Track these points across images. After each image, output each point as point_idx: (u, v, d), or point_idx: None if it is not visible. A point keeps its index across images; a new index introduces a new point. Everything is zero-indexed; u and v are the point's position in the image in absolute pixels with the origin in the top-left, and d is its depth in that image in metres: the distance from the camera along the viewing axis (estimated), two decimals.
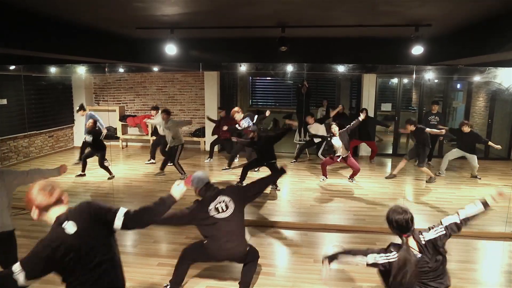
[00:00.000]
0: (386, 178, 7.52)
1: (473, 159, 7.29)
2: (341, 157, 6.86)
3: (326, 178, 7.33)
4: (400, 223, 2.46)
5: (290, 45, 4.77)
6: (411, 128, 7.02)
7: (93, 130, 7.09)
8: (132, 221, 2.22)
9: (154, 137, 8.85)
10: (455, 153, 7.48)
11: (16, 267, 1.90)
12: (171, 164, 7.42)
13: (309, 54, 6.04)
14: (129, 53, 6.23)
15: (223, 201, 3.37)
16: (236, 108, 7.16)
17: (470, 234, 4.85)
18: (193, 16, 4.24)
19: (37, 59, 5.75)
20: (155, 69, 9.42)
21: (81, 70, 9.12)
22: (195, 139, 10.16)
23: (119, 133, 10.29)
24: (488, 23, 4.17)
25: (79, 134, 10.24)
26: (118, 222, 2.17)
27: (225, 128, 7.84)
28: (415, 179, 7.71)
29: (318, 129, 8.16)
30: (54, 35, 4.58)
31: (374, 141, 9.06)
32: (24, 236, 4.74)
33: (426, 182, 7.21)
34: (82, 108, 8.23)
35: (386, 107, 10.50)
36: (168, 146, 7.41)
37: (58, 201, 2.13)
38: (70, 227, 2.02)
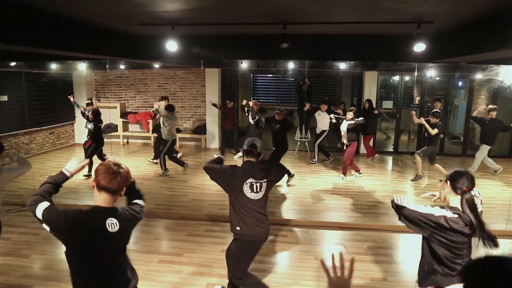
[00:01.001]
0: (412, 180, 7.21)
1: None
2: (345, 144, 6.94)
3: (360, 173, 7.40)
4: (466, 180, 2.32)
5: (292, 42, 4.75)
6: (435, 121, 6.73)
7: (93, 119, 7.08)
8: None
9: (155, 134, 8.83)
10: (484, 149, 7.27)
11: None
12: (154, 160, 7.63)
13: (310, 51, 6.02)
14: (130, 50, 6.21)
15: (259, 182, 3.11)
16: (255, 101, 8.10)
17: None
18: (194, 13, 4.22)
19: (38, 55, 5.73)
20: (156, 66, 9.40)
21: (82, 67, 9.11)
22: (196, 136, 10.15)
23: (120, 130, 10.30)
24: (491, 20, 4.14)
25: (80, 131, 10.26)
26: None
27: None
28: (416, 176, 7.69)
29: (324, 118, 8.26)
30: (55, 31, 4.57)
31: (372, 136, 9.01)
32: (25, 233, 4.78)
33: (412, 180, 7.19)
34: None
35: (388, 104, 10.49)
36: (158, 138, 7.52)
37: (117, 191, 2.01)
38: (113, 225, 1.97)
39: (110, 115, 9.86)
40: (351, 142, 6.99)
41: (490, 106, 7.38)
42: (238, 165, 3.19)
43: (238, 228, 3.08)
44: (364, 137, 8.82)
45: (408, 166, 8.65)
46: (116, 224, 1.97)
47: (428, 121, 6.74)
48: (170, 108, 7.30)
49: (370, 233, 4.88)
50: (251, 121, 8.08)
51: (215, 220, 5.20)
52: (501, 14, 3.91)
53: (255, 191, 3.09)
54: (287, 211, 5.70)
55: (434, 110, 7.12)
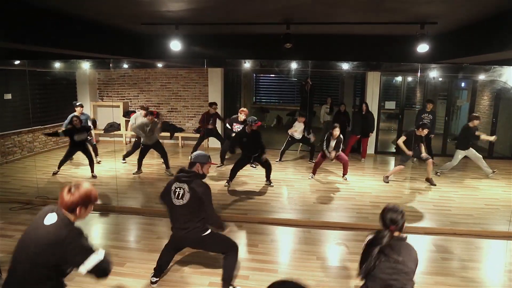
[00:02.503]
0: (426, 180, 7.13)
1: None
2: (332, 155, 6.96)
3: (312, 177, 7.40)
4: (395, 220, 2.57)
5: (295, 42, 4.76)
6: (423, 133, 6.79)
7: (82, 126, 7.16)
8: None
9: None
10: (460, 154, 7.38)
11: None
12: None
13: (313, 51, 6.03)
14: (133, 49, 6.23)
15: (182, 188, 3.41)
16: (244, 109, 7.57)
17: (473, 233, 4.84)
18: (198, 12, 4.23)
19: (42, 54, 5.77)
20: (159, 65, 9.42)
21: (86, 66, 9.14)
22: (197, 135, 10.15)
23: (122, 129, 10.32)
24: (494, 21, 4.14)
25: None
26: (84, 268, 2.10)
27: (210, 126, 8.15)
28: (418, 177, 7.68)
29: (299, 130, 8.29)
30: (59, 30, 4.59)
31: (368, 138, 9.00)
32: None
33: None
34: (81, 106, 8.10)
35: (390, 105, 10.48)
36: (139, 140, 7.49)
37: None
38: (49, 218, 2.10)
39: (113, 114, 9.90)
40: (340, 151, 7.02)
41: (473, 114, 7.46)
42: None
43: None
44: (362, 138, 8.87)
45: (409, 166, 8.64)
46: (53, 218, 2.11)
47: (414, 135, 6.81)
48: (151, 113, 7.26)
49: None
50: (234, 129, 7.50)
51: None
52: (504, 15, 3.91)
53: (177, 197, 3.40)
54: (289, 211, 5.71)
55: (421, 123, 7.03)
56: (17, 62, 7.62)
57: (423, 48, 4.66)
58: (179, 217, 3.42)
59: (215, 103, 8.35)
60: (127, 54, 6.44)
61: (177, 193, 3.40)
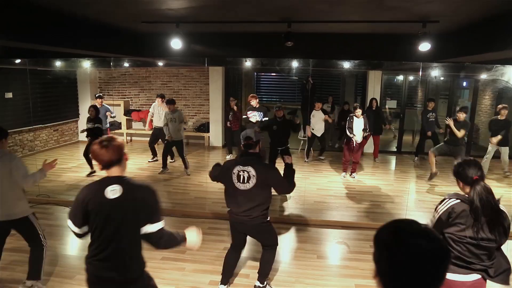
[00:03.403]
0: (429, 179, 7.00)
1: (505, 152, 7.17)
2: (355, 142, 6.92)
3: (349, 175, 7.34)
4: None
5: (296, 40, 4.74)
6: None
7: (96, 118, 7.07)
8: (157, 238, 2.21)
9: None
10: (491, 151, 7.24)
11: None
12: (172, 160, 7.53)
13: (314, 50, 6.01)
14: (134, 48, 6.22)
15: (247, 172, 3.19)
16: (253, 94, 7.57)
17: None
18: (199, 10, 4.22)
19: (43, 53, 5.76)
20: (160, 63, 9.41)
21: (86, 64, 9.14)
22: (199, 134, 10.17)
23: (123, 128, 10.32)
24: (496, 20, 4.12)
25: (84, 128, 10.30)
26: (151, 228, 2.16)
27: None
28: (419, 175, 7.68)
29: (319, 118, 8.23)
30: (59, 29, 4.58)
31: (379, 136, 8.98)
32: None
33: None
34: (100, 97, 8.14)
35: (391, 104, 10.46)
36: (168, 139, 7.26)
37: (117, 160, 2.14)
38: (112, 192, 2.07)
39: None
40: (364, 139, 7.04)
41: (502, 105, 7.28)
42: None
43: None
44: (374, 136, 8.80)
45: (411, 165, 8.64)
46: (118, 191, 2.08)
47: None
48: (171, 102, 7.23)
49: (373, 232, 4.82)
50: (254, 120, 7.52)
51: (218, 217, 5.21)
52: (507, 14, 3.89)
53: (241, 181, 3.19)
54: (290, 209, 5.71)
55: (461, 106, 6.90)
56: (17, 60, 7.62)
57: (424, 47, 4.63)
58: (243, 203, 3.21)
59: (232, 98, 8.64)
60: (127, 52, 6.43)
61: (241, 177, 3.19)
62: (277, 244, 3.47)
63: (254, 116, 7.25)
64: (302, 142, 9.34)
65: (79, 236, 2.19)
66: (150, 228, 2.14)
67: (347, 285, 3.69)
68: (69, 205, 5.60)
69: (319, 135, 8.34)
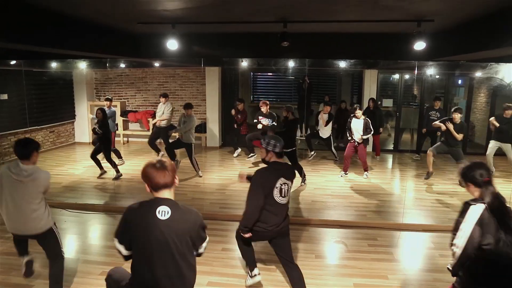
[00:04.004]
0: (425, 179, 7.07)
1: (510, 149, 7.05)
2: (356, 142, 6.94)
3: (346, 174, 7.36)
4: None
5: (292, 40, 4.75)
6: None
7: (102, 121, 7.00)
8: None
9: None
10: (493, 147, 7.16)
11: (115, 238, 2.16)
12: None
13: (310, 50, 6.02)
14: (130, 48, 6.21)
15: (287, 184, 3.12)
16: (265, 101, 7.56)
17: None
18: (195, 11, 4.22)
19: (38, 54, 5.74)
20: (156, 64, 9.39)
21: (82, 65, 9.10)
22: (197, 134, 10.14)
23: (120, 129, 10.29)
24: (490, 18, 4.14)
25: (80, 130, 10.26)
26: (201, 250, 2.31)
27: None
28: (417, 174, 7.71)
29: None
30: (55, 30, 4.56)
31: (379, 135, 9.01)
32: None
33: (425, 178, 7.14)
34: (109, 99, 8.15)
35: (387, 102, 10.49)
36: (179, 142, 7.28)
37: (167, 185, 2.14)
38: (164, 213, 2.08)
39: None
40: (365, 140, 7.04)
41: (507, 104, 7.20)
42: (263, 169, 3.17)
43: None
44: (374, 135, 8.81)
45: (408, 164, 8.67)
46: (168, 212, 2.08)
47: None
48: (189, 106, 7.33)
49: (371, 231, 4.89)
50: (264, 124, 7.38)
51: (215, 218, 5.21)
52: (501, 13, 3.92)
53: (283, 195, 3.11)
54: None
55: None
56: (13, 62, 7.58)
57: (420, 45, 4.66)
58: (277, 216, 3.14)
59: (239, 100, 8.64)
60: (124, 53, 6.41)
61: (283, 190, 3.10)
62: None
63: (264, 121, 7.27)
64: (299, 141, 9.35)
65: (127, 258, 2.19)
66: (200, 250, 2.30)
67: (345, 284, 3.70)
68: (65, 207, 5.60)
69: (325, 137, 8.36)
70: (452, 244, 2.33)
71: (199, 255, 2.32)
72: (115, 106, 10.17)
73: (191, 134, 7.16)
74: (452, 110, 6.75)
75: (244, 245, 3.46)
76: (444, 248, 4.42)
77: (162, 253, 2.05)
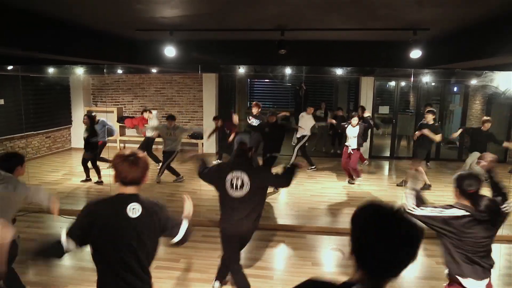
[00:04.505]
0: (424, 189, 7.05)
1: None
2: (350, 148, 6.95)
3: (356, 179, 7.33)
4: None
5: (289, 48, 4.78)
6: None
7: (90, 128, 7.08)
8: (186, 237, 2.21)
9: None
10: (474, 156, 7.12)
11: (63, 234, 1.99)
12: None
13: (308, 57, 6.06)
14: (128, 55, 6.22)
15: (241, 178, 3.18)
16: (256, 103, 7.63)
17: None
18: (193, 19, 4.24)
19: (36, 59, 5.73)
20: (154, 70, 9.41)
21: (80, 71, 9.11)
22: (193, 141, 10.15)
23: (116, 135, 10.27)
24: (485, 27, 4.19)
25: (77, 135, 10.22)
26: (177, 239, 2.17)
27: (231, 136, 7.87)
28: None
29: (307, 121, 8.21)
30: (53, 36, 4.57)
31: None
32: (21, 238, 4.73)
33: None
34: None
35: (384, 109, 10.55)
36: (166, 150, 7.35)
37: (135, 181, 2.02)
38: (134, 210, 1.98)
39: (107, 120, 9.83)
40: (358, 147, 7.04)
41: (485, 118, 7.37)
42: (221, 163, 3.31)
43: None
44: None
45: (404, 171, 8.70)
46: (139, 210, 1.99)
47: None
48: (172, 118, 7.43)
49: None
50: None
51: (212, 225, 5.19)
52: (495, 22, 3.97)
53: (234, 188, 3.18)
54: (284, 216, 5.71)
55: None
56: (10, 67, 7.56)
57: (416, 54, 4.70)
58: (235, 211, 3.21)
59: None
60: (121, 59, 6.42)
61: (234, 184, 3.18)
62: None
63: (252, 123, 7.29)
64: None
65: (64, 254, 2.00)
66: (176, 239, 2.17)
67: None
68: (61, 213, 5.55)
69: (298, 135, 8.26)
70: (417, 205, 2.52)
71: (181, 242, 2.18)
72: (112, 111, 10.18)
73: (180, 143, 7.39)
74: (426, 110, 6.88)
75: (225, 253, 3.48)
76: (440, 256, 4.42)
77: (130, 251, 1.97)
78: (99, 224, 1.94)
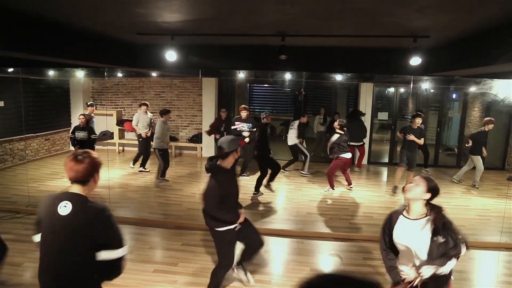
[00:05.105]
0: (393, 192, 7.19)
1: (479, 160, 7.31)
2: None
3: (351, 187, 7.35)
4: None
5: (289, 53, 4.81)
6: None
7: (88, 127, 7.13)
8: (114, 268, 2.09)
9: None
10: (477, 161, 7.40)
11: None
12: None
13: (307, 63, 6.10)
14: (129, 58, 6.25)
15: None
16: (244, 105, 7.44)
17: None
18: (194, 23, 4.27)
19: (36, 62, 5.75)
20: (154, 74, 9.43)
21: (80, 74, 9.12)
22: (192, 145, 10.15)
23: (116, 138, 10.27)
24: (484, 35, 4.23)
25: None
26: (109, 255, 2.01)
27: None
28: None
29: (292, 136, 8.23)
30: (54, 39, 4.59)
31: (363, 145, 9.05)
32: (18, 240, 4.72)
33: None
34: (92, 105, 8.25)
35: (383, 115, 10.58)
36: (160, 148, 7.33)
37: (77, 180, 2.01)
38: (64, 208, 1.96)
39: (107, 123, 9.85)
40: (335, 155, 6.90)
41: (489, 118, 7.44)
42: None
43: None
44: (358, 147, 8.90)
45: (403, 177, 8.69)
46: (69, 208, 1.97)
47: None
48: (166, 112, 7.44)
49: (366, 244, 4.88)
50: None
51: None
52: (494, 30, 4.00)
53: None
54: (282, 221, 5.70)
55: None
56: (10, 69, 7.58)
57: (415, 61, 4.73)
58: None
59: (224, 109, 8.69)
60: (122, 63, 6.45)
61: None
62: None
63: (243, 128, 7.23)
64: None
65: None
66: (108, 255, 1.99)
67: None
68: None
69: (289, 143, 8.26)
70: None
71: (114, 264, 2.04)
72: (111, 115, 10.19)
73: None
74: (413, 114, 7.02)
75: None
76: None
77: (58, 250, 1.97)
78: (41, 218, 2.04)
